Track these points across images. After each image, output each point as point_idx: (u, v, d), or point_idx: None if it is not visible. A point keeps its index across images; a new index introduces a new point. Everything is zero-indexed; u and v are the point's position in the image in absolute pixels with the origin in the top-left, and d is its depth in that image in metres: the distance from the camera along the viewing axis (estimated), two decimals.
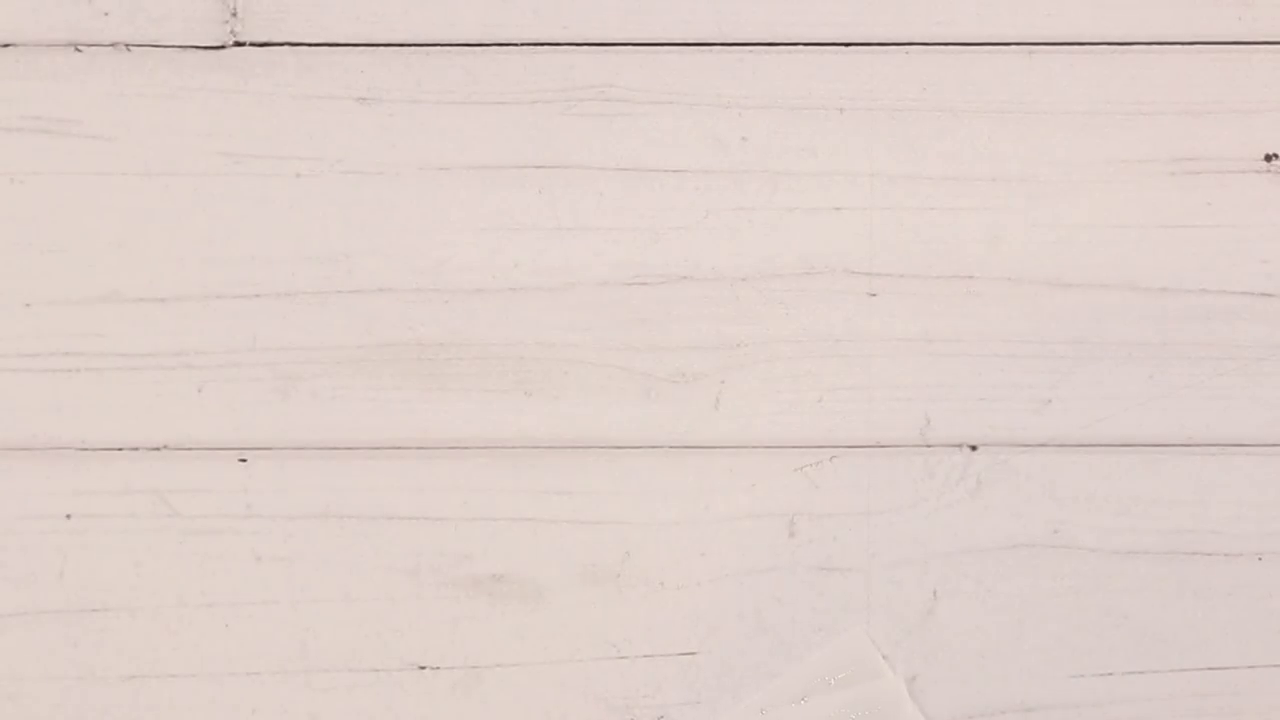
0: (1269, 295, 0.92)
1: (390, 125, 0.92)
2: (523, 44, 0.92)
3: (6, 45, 0.92)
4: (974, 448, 0.92)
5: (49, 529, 0.92)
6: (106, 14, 0.92)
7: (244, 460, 0.91)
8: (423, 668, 0.92)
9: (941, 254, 0.92)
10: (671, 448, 0.92)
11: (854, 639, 0.81)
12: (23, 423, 0.91)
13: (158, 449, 0.91)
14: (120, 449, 0.91)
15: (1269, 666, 0.92)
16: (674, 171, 0.92)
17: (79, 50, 0.92)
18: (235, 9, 0.92)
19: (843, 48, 0.92)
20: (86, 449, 0.91)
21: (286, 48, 0.92)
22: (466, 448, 0.92)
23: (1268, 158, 0.92)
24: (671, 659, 0.92)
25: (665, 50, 0.92)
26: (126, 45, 0.92)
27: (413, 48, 0.92)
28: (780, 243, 0.92)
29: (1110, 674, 0.92)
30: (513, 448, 0.92)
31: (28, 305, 0.92)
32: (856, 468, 0.92)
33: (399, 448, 0.91)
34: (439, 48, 0.92)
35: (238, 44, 0.92)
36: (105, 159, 0.92)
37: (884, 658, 0.92)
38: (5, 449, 0.91)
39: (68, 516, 0.92)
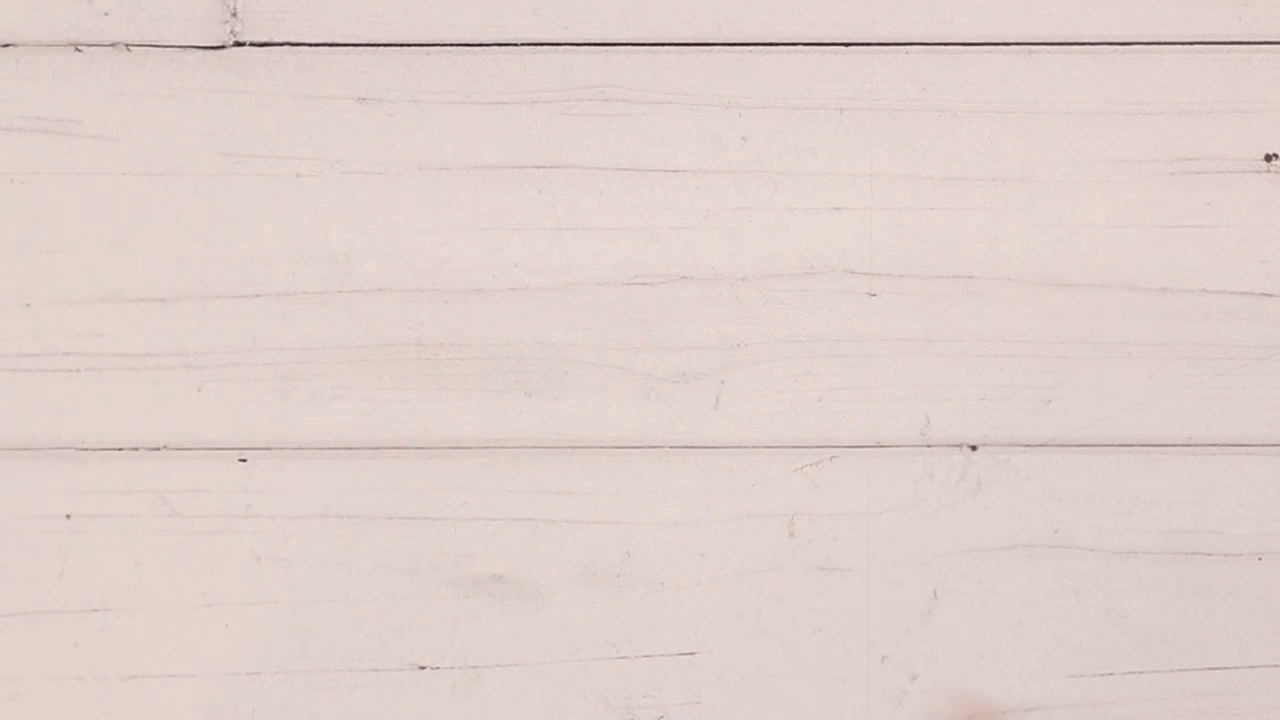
0: (1269, 295, 0.92)
1: (390, 125, 0.92)
2: (522, 44, 0.92)
3: (6, 45, 0.92)
4: (974, 448, 0.92)
5: (49, 529, 0.92)
6: (106, 14, 0.92)
7: (244, 460, 0.91)
8: (423, 668, 0.92)
9: (941, 254, 0.92)
10: (671, 448, 0.92)
11: None
12: (23, 423, 0.91)
13: (158, 449, 0.91)
14: (120, 449, 0.91)
15: (1269, 666, 0.92)
16: (674, 171, 0.92)
17: (79, 50, 0.92)
18: (235, 9, 0.92)
19: (843, 48, 0.92)
20: (86, 449, 0.91)
21: (286, 48, 0.92)
22: (466, 448, 0.92)
23: (1268, 158, 0.92)
24: (671, 659, 0.92)
25: (665, 50, 0.92)
26: (126, 45, 0.92)
27: (413, 48, 0.92)
28: (780, 243, 0.92)
29: (1110, 674, 0.92)
30: (513, 448, 0.92)
31: (28, 305, 0.92)
32: (856, 468, 0.92)
33: (399, 448, 0.92)
34: (439, 48, 0.92)
35: (238, 44, 0.92)
36: (105, 159, 0.92)
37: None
38: (5, 449, 0.91)
39: (68, 516, 0.92)
